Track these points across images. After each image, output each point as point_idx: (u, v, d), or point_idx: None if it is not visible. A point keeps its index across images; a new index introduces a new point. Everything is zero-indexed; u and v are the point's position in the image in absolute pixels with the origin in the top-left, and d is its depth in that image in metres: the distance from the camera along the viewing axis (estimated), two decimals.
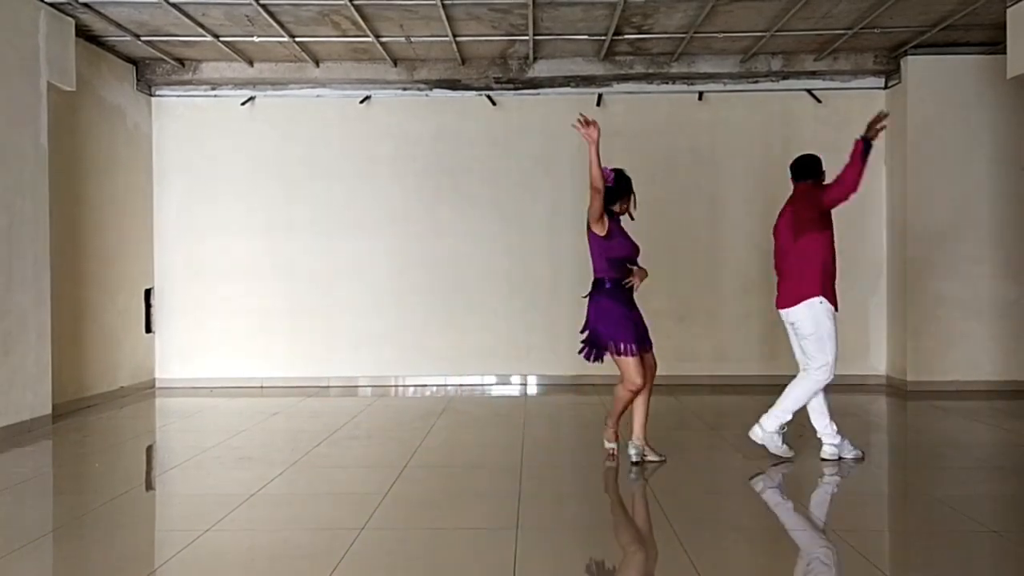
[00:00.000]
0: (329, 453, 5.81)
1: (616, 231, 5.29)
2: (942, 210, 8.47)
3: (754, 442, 5.45)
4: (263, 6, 7.04)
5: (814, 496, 4.76)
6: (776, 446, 5.39)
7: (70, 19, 7.21)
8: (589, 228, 5.24)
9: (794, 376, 5.46)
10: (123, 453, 6.13)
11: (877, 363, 9.01)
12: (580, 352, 5.35)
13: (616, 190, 5.26)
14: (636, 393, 5.23)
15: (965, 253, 8.47)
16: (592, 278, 5.32)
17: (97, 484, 5.20)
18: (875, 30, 7.80)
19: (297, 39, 7.94)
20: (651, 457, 5.38)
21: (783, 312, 5.45)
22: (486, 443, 6.38)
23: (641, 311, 5.34)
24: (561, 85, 8.95)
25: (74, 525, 4.22)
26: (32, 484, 5.19)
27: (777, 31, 7.74)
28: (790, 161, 5.63)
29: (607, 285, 5.22)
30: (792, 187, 5.58)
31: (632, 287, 5.26)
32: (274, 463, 5.42)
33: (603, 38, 7.94)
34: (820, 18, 7.48)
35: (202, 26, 7.54)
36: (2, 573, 3.53)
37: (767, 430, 5.40)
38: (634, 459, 5.32)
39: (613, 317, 5.17)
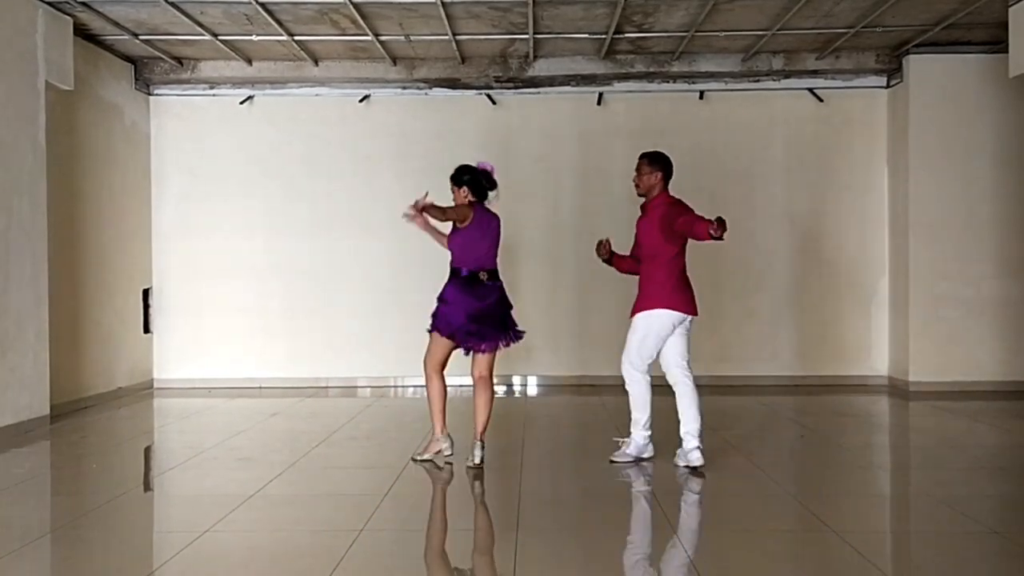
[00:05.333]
0: (328, 454, 5.79)
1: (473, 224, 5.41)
2: (944, 209, 8.44)
3: (695, 466, 5.10)
4: (262, 5, 7.01)
5: (815, 496, 4.73)
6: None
7: (68, 18, 7.18)
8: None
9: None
10: (121, 454, 6.10)
11: (879, 363, 8.98)
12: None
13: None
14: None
15: (967, 252, 8.44)
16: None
17: (95, 485, 5.18)
18: (877, 29, 7.77)
19: (296, 38, 7.91)
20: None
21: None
22: (486, 444, 6.35)
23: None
24: (561, 84, 8.92)
25: (72, 526, 4.19)
26: (30, 485, 5.16)
27: (778, 30, 7.71)
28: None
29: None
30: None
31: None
32: (273, 464, 5.39)
33: (604, 37, 7.91)
34: (822, 17, 7.46)
35: (200, 25, 7.51)
36: (1, 574, 3.50)
37: (690, 447, 5.14)
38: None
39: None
